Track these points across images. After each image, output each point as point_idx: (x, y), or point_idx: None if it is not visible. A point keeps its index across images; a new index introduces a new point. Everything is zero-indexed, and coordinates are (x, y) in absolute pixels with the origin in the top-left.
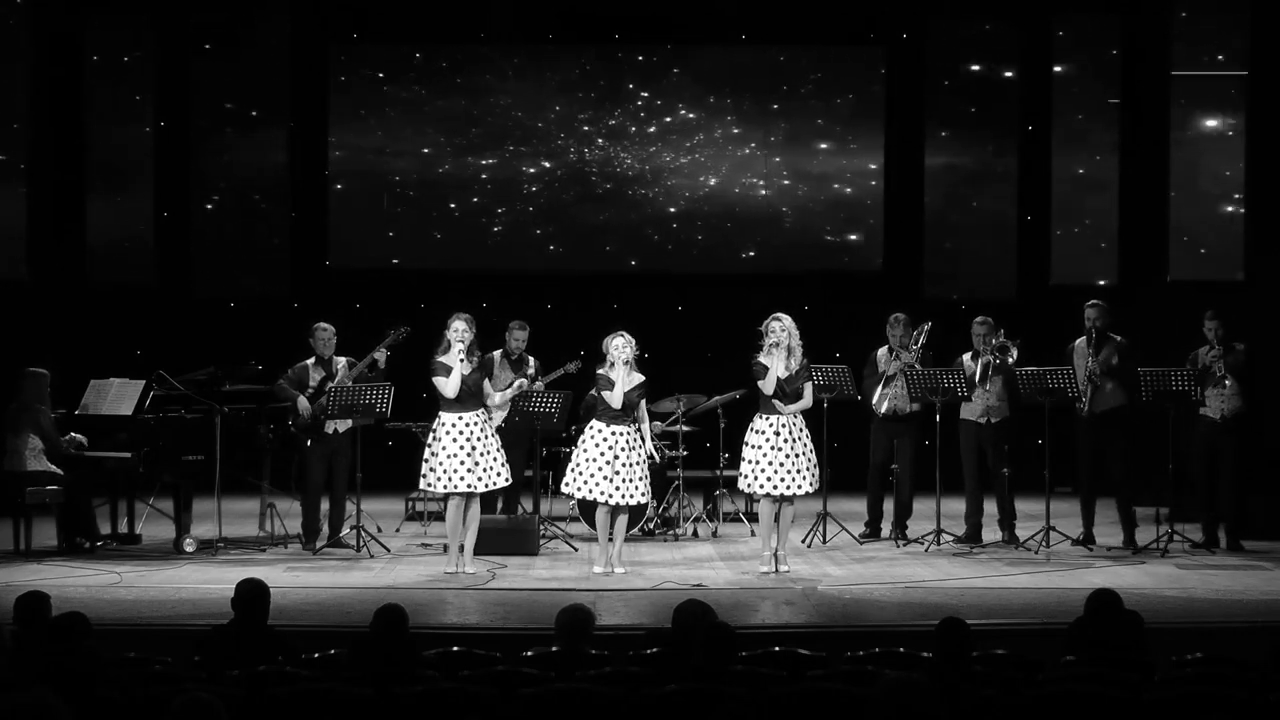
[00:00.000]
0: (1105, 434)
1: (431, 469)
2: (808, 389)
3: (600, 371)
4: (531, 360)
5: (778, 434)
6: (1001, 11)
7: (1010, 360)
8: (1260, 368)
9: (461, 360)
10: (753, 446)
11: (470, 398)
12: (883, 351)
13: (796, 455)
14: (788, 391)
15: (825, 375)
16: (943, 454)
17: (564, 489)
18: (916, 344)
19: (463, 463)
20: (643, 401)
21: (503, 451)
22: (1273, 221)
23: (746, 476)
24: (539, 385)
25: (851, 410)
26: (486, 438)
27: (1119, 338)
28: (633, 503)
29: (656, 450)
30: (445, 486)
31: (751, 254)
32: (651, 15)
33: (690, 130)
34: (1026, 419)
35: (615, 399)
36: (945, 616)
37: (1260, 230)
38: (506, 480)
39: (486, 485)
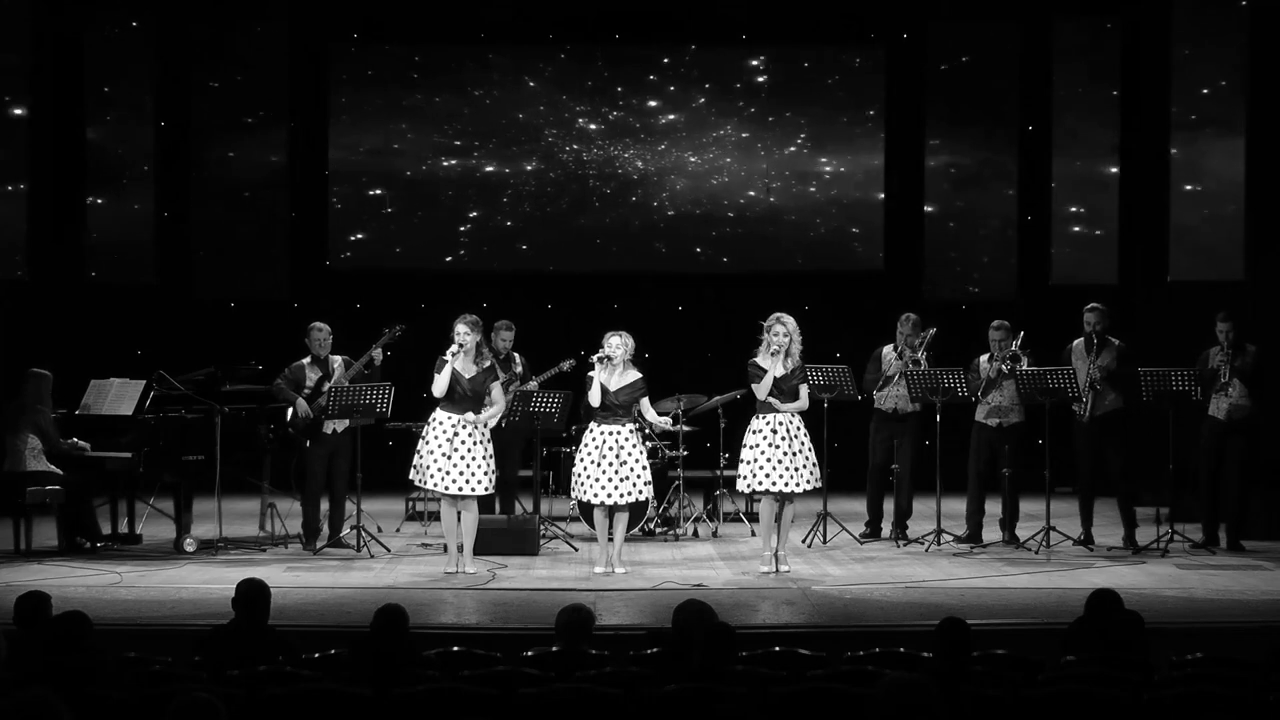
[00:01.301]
0: (1104, 437)
1: (417, 460)
2: (803, 390)
3: (591, 373)
4: (518, 359)
5: (775, 432)
6: (1001, 11)
7: (1020, 369)
8: (1262, 368)
9: (452, 357)
10: (751, 446)
11: (465, 400)
12: (889, 349)
13: (795, 453)
14: (784, 390)
15: (825, 375)
16: (943, 454)
17: (572, 494)
18: (921, 346)
19: (435, 461)
20: (644, 399)
21: (491, 459)
22: (1273, 221)
23: (746, 476)
24: (533, 384)
25: (852, 410)
26: (474, 444)
27: (1118, 341)
28: (628, 501)
29: (671, 419)
30: (420, 481)
31: (752, 254)
32: (652, 16)
33: (690, 130)
34: (1028, 419)
35: (594, 396)
36: (945, 616)
37: (1260, 230)
38: (486, 490)
39: (460, 490)
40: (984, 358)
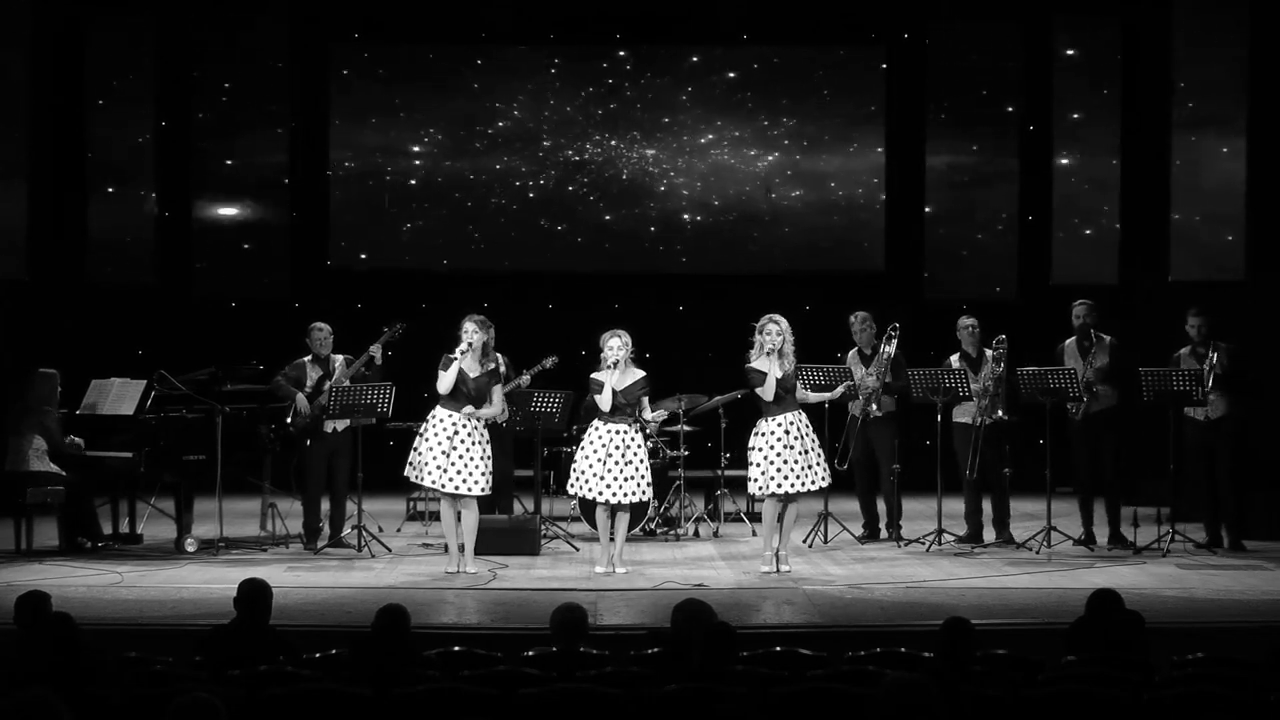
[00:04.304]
0: (1099, 435)
1: (414, 457)
2: (799, 384)
3: (594, 375)
4: (501, 358)
5: (788, 433)
6: (1002, 11)
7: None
8: (1259, 368)
9: (461, 356)
10: (758, 449)
11: (467, 399)
12: (853, 354)
13: (805, 451)
14: (786, 390)
15: (825, 375)
16: (943, 454)
17: (568, 489)
18: (884, 348)
19: (435, 459)
20: (644, 398)
21: (489, 460)
22: (1273, 221)
23: (758, 479)
24: (525, 378)
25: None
26: (473, 444)
27: (1109, 337)
28: (629, 501)
29: (662, 415)
30: (417, 478)
31: (752, 254)
32: (653, 16)
33: (691, 130)
34: (1027, 419)
35: (604, 401)
36: (950, 616)
37: (1260, 230)
38: (483, 491)
39: (457, 488)
40: (954, 357)
